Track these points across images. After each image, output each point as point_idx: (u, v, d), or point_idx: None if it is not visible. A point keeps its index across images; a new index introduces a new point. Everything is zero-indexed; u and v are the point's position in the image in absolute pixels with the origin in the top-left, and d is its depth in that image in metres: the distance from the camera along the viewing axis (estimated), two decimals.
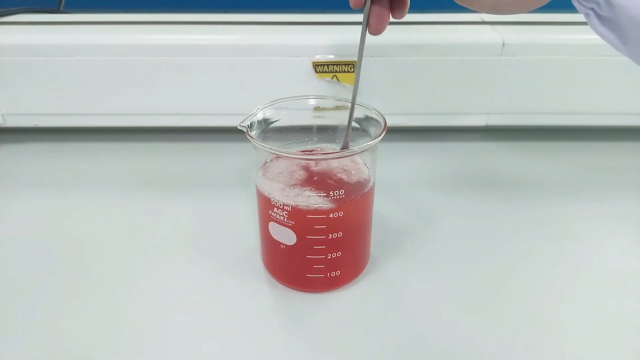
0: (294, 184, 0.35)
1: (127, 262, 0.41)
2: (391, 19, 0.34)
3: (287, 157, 0.36)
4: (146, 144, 0.59)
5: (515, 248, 0.43)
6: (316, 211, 0.33)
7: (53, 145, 0.59)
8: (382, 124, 0.35)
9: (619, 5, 0.27)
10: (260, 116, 0.37)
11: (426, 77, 0.54)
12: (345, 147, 0.36)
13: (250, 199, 0.49)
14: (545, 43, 0.53)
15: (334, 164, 0.37)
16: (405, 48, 0.52)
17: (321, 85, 0.53)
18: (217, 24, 0.56)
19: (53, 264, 0.41)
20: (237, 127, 0.35)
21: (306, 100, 0.39)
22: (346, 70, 0.52)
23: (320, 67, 0.52)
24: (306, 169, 0.36)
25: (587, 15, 0.29)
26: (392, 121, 0.37)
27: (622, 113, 0.56)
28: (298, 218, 0.34)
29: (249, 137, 0.34)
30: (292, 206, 0.34)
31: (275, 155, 0.37)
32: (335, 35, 0.52)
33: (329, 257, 0.36)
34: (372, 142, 0.33)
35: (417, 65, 0.53)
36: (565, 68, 0.54)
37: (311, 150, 0.40)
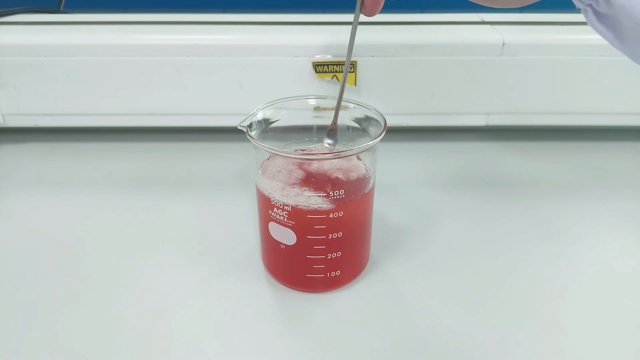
0: (294, 184, 0.35)
1: (127, 262, 0.41)
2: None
3: (286, 157, 0.36)
4: (146, 144, 0.59)
5: (515, 248, 0.43)
6: (316, 211, 0.33)
7: (53, 145, 0.59)
8: (382, 124, 0.35)
9: (617, 2, 0.27)
10: (260, 116, 0.37)
11: (426, 77, 0.54)
12: (332, 129, 0.36)
13: (250, 199, 0.49)
14: (545, 43, 0.53)
15: (334, 164, 0.37)
16: (405, 48, 0.52)
17: (321, 85, 0.53)
18: (217, 24, 0.56)
19: (53, 264, 0.41)
20: (237, 127, 0.35)
21: (306, 100, 0.39)
22: None
23: (320, 67, 0.52)
24: (306, 169, 0.36)
25: (585, 11, 0.29)
26: (392, 121, 0.37)
27: (622, 113, 0.56)
28: (298, 218, 0.34)
29: (249, 137, 0.34)
30: (292, 206, 0.34)
31: (275, 155, 0.37)
32: (336, 35, 0.52)
33: (329, 257, 0.36)
34: (372, 142, 0.33)
35: (417, 65, 0.53)
36: (565, 68, 0.54)
37: (308, 151, 0.40)
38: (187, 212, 0.47)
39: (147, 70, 0.53)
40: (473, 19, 0.57)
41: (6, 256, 0.42)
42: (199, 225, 0.46)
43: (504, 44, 0.52)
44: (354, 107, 0.38)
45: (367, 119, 0.37)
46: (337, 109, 0.36)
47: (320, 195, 0.34)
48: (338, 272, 0.37)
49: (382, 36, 0.53)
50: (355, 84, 0.53)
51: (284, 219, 0.34)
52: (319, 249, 0.35)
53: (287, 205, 0.34)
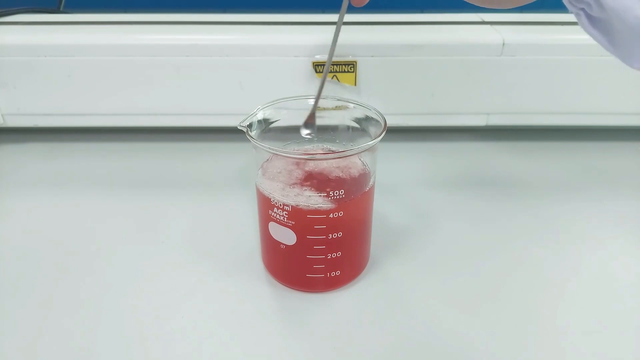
0: (294, 184, 0.35)
1: (127, 262, 0.41)
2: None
3: (287, 157, 0.36)
4: (146, 144, 0.59)
5: (515, 248, 0.43)
6: (316, 211, 0.33)
7: (53, 145, 0.59)
8: (382, 124, 0.35)
9: (610, 6, 0.27)
10: (260, 116, 0.37)
11: (426, 77, 0.54)
12: (311, 118, 0.36)
13: (250, 199, 0.49)
14: (545, 43, 0.53)
15: (334, 163, 0.37)
16: (405, 48, 0.52)
17: None
18: (217, 24, 0.56)
19: (53, 264, 0.41)
20: (237, 127, 0.35)
21: (306, 100, 0.39)
22: (346, 70, 0.52)
23: (320, 67, 0.52)
24: (306, 169, 0.36)
25: (577, 15, 0.29)
26: (392, 121, 0.37)
27: (621, 113, 0.56)
28: (298, 218, 0.34)
29: (249, 137, 0.34)
30: (292, 206, 0.34)
31: (275, 155, 0.37)
32: None
33: (329, 257, 0.36)
34: (372, 142, 0.33)
35: (417, 65, 0.53)
36: (565, 68, 0.54)
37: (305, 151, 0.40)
38: (187, 212, 0.47)
39: (147, 70, 0.53)
40: (473, 19, 0.57)
41: (6, 256, 0.42)
42: (199, 225, 0.46)
43: (504, 44, 0.52)
44: (354, 107, 0.38)
45: (367, 119, 0.37)
46: (317, 101, 0.36)
47: (320, 195, 0.34)
48: (338, 272, 0.37)
49: (382, 36, 0.53)
50: (355, 84, 0.53)
51: (284, 219, 0.34)
52: (319, 249, 0.35)
53: (287, 205, 0.34)
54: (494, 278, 0.40)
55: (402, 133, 0.61)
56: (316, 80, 0.53)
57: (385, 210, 0.46)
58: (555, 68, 0.54)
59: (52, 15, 0.63)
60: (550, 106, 0.56)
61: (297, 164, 0.37)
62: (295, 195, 0.34)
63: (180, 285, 0.39)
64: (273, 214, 0.35)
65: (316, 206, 0.33)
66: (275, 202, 0.34)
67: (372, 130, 0.37)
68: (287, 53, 0.52)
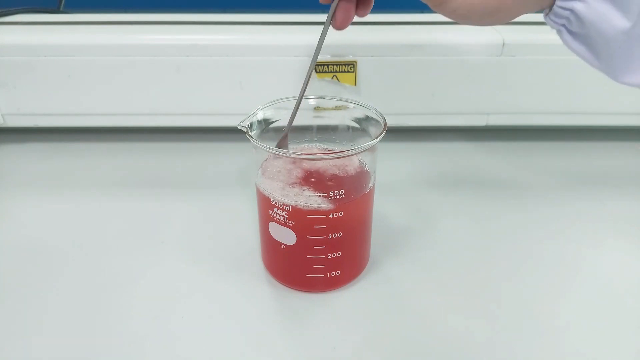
0: (294, 184, 0.35)
1: (126, 262, 0.41)
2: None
3: (287, 157, 0.36)
4: (146, 144, 0.59)
5: (515, 248, 0.43)
6: (316, 211, 0.33)
7: (53, 145, 0.59)
8: (382, 124, 0.35)
9: (589, 20, 0.27)
10: (260, 116, 0.37)
11: (426, 77, 0.54)
12: (284, 140, 0.36)
13: (250, 199, 0.49)
14: (545, 43, 0.53)
15: (334, 163, 0.37)
16: (405, 48, 0.52)
17: (321, 85, 0.53)
18: (217, 24, 0.56)
19: (52, 264, 0.41)
20: (237, 127, 0.35)
21: (306, 100, 0.39)
22: (346, 70, 0.52)
23: (320, 67, 0.52)
24: (306, 169, 0.36)
25: (559, 32, 0.29)
26: (392, 121, 0.37)
27: (621, 113, 0.56)
28: (298, 218, 0.34)
29: (249, 137, 0.34)
30: (292, 206, 0.34)
31: (275, 156, 0.37)
32: (335, 35, 0.52)
33: (329, 257, 0.36)
34: (372, 142, 0.33)
35: (417, 65, 0.53)
36: (565, 68, 0.53)
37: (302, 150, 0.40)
38: (187, 212, 0.47)
39: (147, 70, 0.53)
40: None
41: (6, 256, 0.42)
42: (199, 225, 0.45)
43: (504, 44, 0.52)
44: (354, 107, 0.38)
45: (367, 119, 0.37)
46: (290, 122, 0.35)
47: (320, 195, 0.34)
48: (338, 272, 0.37)
49: (382, 36, 0.53)
50: (355, 84, 0.53)
51: (284, 219, 0.34)
52: (319, 249, 0.35)
53: (287, 205, 0.34)
54: (493, 278, 0.40)
55: (402, 133, 0.61)
56: (316, 80, 0.53)
57: (385, 210, 0.46)
58: (555, 68, 0.54)
59: (52, 15, 0.63)
60: (550, 106, 0.56)
61: (297, 163, 0.37)
62: (295, 195, 0.34)
63: (180, 285, 0.39)
64: (273, 214, 0.35)
65: (316, 206, 0.33)
66: (275, 202, 0.34)
67: (372, 130, 0.37)
68: (287, 53, 0.52)
